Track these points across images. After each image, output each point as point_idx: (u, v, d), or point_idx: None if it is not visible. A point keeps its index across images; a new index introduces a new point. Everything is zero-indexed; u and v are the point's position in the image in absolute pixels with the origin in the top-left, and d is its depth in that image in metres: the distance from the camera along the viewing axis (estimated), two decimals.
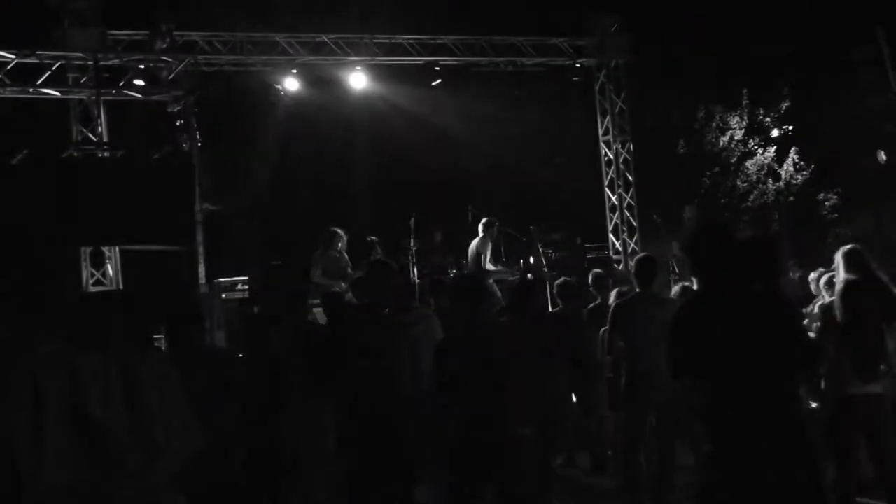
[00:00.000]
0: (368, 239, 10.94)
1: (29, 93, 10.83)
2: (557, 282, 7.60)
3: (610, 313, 6.08)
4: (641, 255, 6.27)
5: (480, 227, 10.83)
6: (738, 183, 16.92)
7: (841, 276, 5.63)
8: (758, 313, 3.48)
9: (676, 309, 3.78)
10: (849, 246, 5.81)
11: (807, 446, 3.43)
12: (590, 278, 7.64)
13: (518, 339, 4.65)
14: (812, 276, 6.83)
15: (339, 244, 9.81)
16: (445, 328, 6.31)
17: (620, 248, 13.58)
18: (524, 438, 4.39)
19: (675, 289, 6.92)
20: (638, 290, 5.99)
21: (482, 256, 10.67)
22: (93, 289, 10.77)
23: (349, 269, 9.86)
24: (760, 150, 16.98)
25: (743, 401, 3.40)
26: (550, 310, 10.40)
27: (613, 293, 7.25)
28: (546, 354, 6.08)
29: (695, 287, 5.65)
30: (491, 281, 10.29)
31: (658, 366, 4.53)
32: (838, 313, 5.20)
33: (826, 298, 6.14)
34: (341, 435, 5.06)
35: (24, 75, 10.66)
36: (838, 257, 5.73)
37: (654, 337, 5.22)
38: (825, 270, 6.53)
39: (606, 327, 6.33)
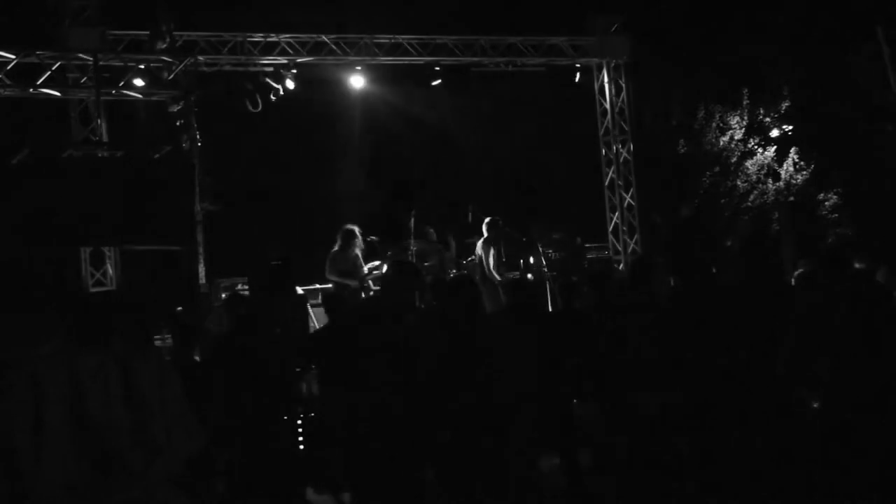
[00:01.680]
0: (369, 239, 10.93)
1: (29, 93, 10.83)
2: (559, 281, 7.60)
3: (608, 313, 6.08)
4: (637, 255, 6.27)
5: (484, 228, 10.80)
6: (738, 183, 16.91)
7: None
8: (736, 307, 3.51)
9: (662, 307, 3.81)
10: (833, 244, 5.84)
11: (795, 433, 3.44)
12: (588, 278, 7.61)
13: (512, 338, 4.64)
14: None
15: (356, 242, 9.85)
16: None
17: (620, 248, 13.57)
18: (515, 438, 4.38)
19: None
20: (634, 290, 5.98)
21: (485, 260, 10.66)
22: (93, 289, 10.78)
23: (363, 269, 9.94)
24: (760, 150, 16.97)
25: (723, 397, 3.42)
26: (550, 310, 10.40)
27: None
28: (543, 354, 6.09)
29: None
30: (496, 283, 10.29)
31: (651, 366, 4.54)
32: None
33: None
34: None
35: (24, 75, 10.67)
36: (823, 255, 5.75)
37: (648, 336, 5.23)
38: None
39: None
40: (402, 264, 5.00)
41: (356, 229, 9.90)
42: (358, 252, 9.92)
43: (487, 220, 10.86)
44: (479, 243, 10.84)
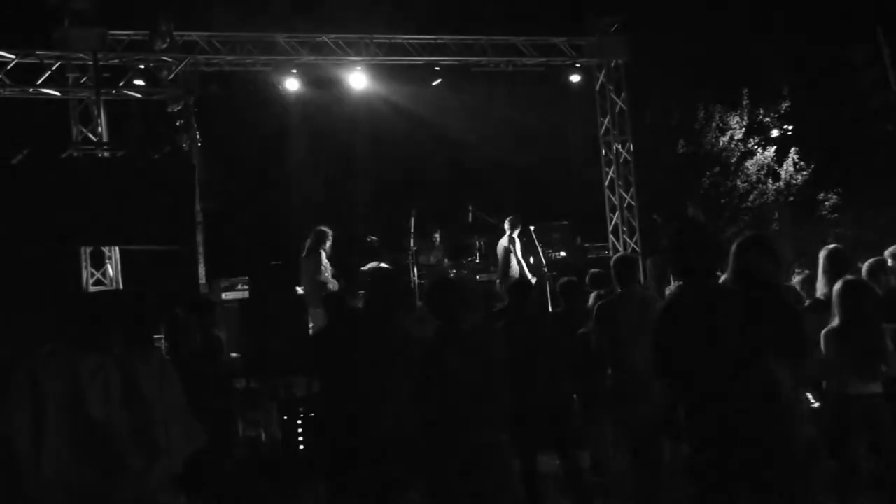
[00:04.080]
0: (368, 239, 10.96)
1: (29, 93, 10.83)
2: (560, 281, 7.60)
3: (594, 314, 6.07)
4: (620, 254, 6.29)
5: (508, 225, 10.86)
6: (738, 183, 16.90)
7: (821, 276, 5.67)
8: (736, 310, 3.48)
9: (659, 309, 3.78)
10: (831, 247, 5.85)
11: (781, 440, 3.42)
12: (587, 278, 7.62)
13: (501, 342, 4.64)
14: (796, 279, 6.86)
15: (328, 243, 9.79)
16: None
17: (620, 248, 13.57)
18: (500, 443, 4.37)
19: (671, 287, 6.89)
20: (619, 290, 5.98)
21: (518, 257, 10.73)
22: (93, 289, 10.78)
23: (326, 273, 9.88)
24: (760, 150, 16.97)
25: (717, 400, 3.39)
26: (550, 310, 10.41)
27: (592, 295, 7.23)
28: (543, 355, 6.08)
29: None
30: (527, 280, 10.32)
31: (641, 366, 4.53)
32: (837, 312, 5.21)
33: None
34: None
35: (24, 75, 10.67)
36: (822, 259, 5.76)
37: (636, 337, 5.23)
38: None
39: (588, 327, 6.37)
40: (385, 269, 5.00)
41: (328, 230, 9.81)
42: (324, 253, 9.75)
43: (510, 217, 10.88)
44: (504, 241, 10.85)
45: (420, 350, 4.62)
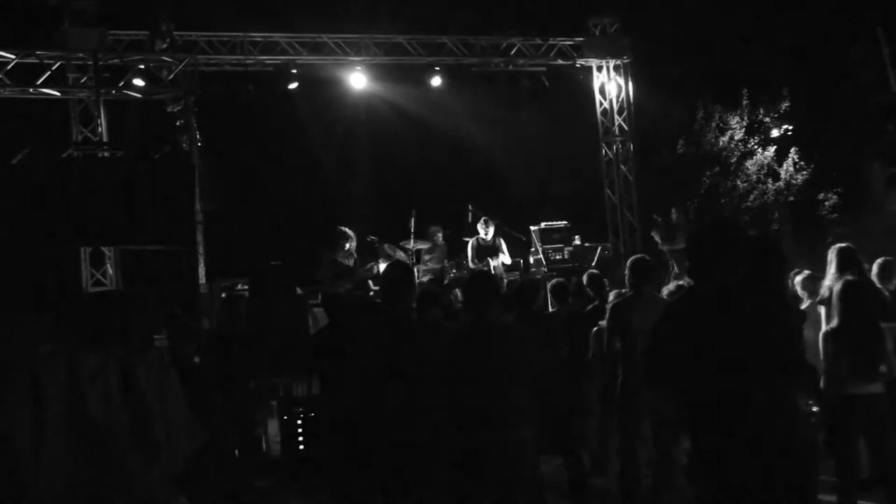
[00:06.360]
0: (368, 239, 10.95)
1: (29, 93, 10.84)
2: (551, 283, 7.59)
3: (607, 314, 6.06)
4: (636, 256, 6.26)
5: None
6: (738, 183, 16.89)
7: (832, 273, 5.63)
8: (749, 316, 3.38)
9: (662, 312, 3.65)
10: (843, 244, 5.78)
11: (794, 458, 3.34)
12: (584, 279, 7.61)
13: (522, 339, 4.63)
14: (797, 279, 6.81)
15: (347, 244, 9.96)
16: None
17: (620, 249, 13.57)
18: (524, 440, 4.38)
19: (670, 287, 6.87)
20: (633, 291, 5.97)
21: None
22: (93, 289, 10.79)
23: (358, 269, 10.07)
24: (760, 150, 16.95)
25: (722, 411, 3.30)
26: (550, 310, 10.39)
27: (612, 294, 7.23)
28: (546, 354, 6.08)
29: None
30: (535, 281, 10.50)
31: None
32: (837, 312, 5.20)
33: (805, 299, 6.25)
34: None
35: (24, 75, 10.68)
36: (831, 255, 5.70)
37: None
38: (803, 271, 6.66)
39: (597, 328, 6.35)
40: (398, 263, 5.00)
41: (345, 230, 10.01)
42: (350, 254, 10.07)
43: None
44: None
45: (446, 345, 4.58)
